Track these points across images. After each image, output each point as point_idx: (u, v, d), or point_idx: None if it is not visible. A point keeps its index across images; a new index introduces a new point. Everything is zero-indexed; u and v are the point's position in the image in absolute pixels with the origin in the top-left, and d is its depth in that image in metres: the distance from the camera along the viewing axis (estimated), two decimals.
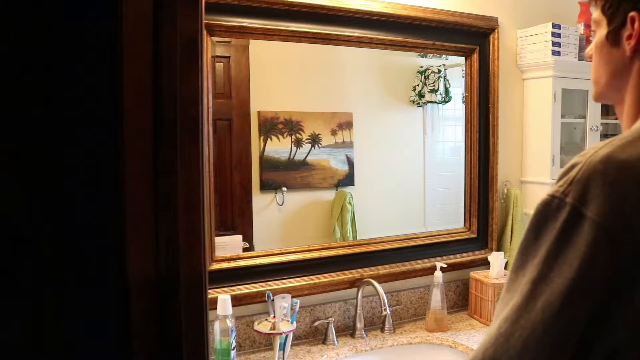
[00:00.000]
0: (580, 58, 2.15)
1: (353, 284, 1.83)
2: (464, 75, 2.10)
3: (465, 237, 2.12)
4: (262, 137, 1.80)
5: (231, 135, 1.76)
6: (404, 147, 2.11)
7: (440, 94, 2.10)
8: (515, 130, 2.21)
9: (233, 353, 1.48)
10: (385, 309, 1.67)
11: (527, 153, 2.21)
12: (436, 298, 1.88)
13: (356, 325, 1.81)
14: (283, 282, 1.72)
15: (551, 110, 2.07)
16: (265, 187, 1.82)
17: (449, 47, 2.02)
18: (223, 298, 1.49)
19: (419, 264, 1.97)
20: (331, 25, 1.77)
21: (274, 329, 1.55)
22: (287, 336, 1.58)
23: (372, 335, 1.83)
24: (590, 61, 0.84)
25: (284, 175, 1.85)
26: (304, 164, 1.87)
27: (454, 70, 2.12)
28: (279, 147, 1.82)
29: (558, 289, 0.61)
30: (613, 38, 0.76)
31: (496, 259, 1.98)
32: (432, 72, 2.07)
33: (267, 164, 1.81)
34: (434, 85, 2.08)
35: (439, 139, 2.19)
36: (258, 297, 1.67)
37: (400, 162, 2.10)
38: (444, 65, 2.11)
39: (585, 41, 2.18)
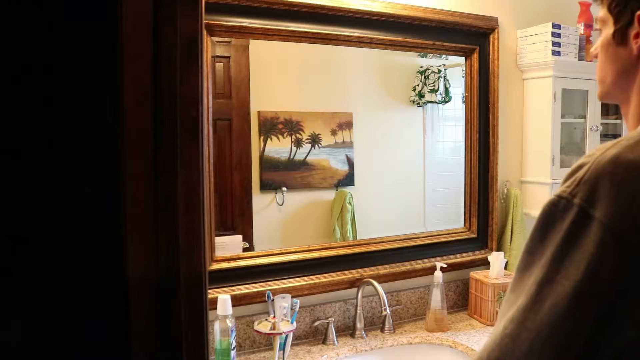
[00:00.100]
0: (580, 58, 2.15)
1: (353, 284, 1.83)
2: (464, 75, 2.10)
3: (465, 237, 2.12)
4: (262, 137, 1.80)
5: (231, 135, 1.76)
6: (404, 147, 2.11)
7: (440, 94, 2.10)
8: (515, 130, 2.21)
9: (233, 353, 1.48)
10: (385, 309, 1.67)
11: (527, 153, 2.21)
12: (436, 298, 1.88)
13: (356, 325, 1.81)
14: (283, 282, 1.72)
15: (551, 110, 2.07)
16: (265, 187, 1.82)
17: (449, 47, 2.02)
18: (223, 298, 1.49)
19: (419, 264, 1.97)
20: (331, 25, 1.77)
21: (274, 329, 1.55)
22: (287, 336, 1.58)
23: (372, 335, 1.83)
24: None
25: (284, 175, 1.85)
26: (304, 164, 1.87)
27: (454, 70, 2.12)
28: (279, 147, 1.82)
29: (565, 290, 0.61)
30: (620, 37, 0.75)
31: (496, 259, 1.97)
32: (432, 72, 2.07)
33: (267, 164, 1.81)
34: (434, 85, 2.08)
35: (439, 139, 2.19)
36: (258, 297, 1.67)
37: (400, 162, 2.10)
38: (444, 65, 2.11)
39: (585, 41, 2.18)
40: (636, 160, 0.62)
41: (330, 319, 1.75)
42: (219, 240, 1.68)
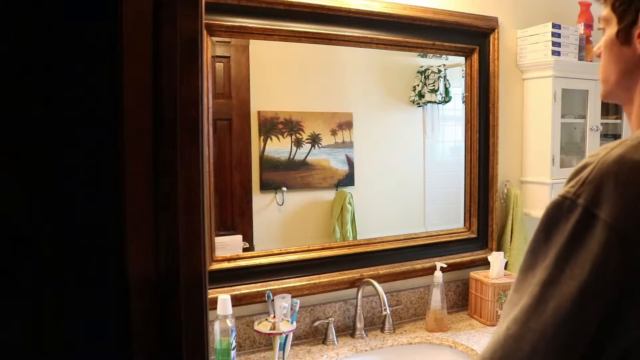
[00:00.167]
0: (580, 58, 2.15)
1: (353, 284, 1.83)
2: (464, 75, 2.10)
3: (465, 237, 2.12)
4: (262, 137, 1.80)
5: (231, 135, 1.76)
6: (404, 147, 2.11)
7: (440, 94, 2.10)
8: (515, 130, 2.21)
9: (233, 353, 1.48)
10: (385, 309, 1.67)
11: (527, 153, 2.21)
12: (436, 298, 1.88)
13: (356, 325, 1.81)
14: (283, 282, 1.72)
15: (551, 110, 2.07)
16: (265, 187, 1.82)
17: (449, 47, 2.02)
18: (223, 298, 1.49)
19: (419, 264, 1.97)
20: (331, 25, 1.77)
21: (274, 329, 1.55)
22: (287, 336, 1.58)
23: (372, 335, 1.83)
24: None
25: (284, 175, 1.85)
26: (304, 164, 1.87)
27: (454, 70, 2.12)
28: (279, 147, 1.82)
29: (569, 291, 0.61)
30: (624, 36, 0.74)
31: (496, 259, 1.97)
32: (432, 72, 2.07)
33: (267, 164, 1.81)
34: (434, 85, 2.08)
35: (439, 139, 2.19)
36: (258, 297, 1.67)
37: (400, 162, 2.10)
38: (444, 65, 2.11)
39: (585, 41, 2.18)
40: None
41: (330, 319, 1.75)
42: (219, 240, 1.68)
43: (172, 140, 0.51)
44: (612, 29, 0.76)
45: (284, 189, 1.84)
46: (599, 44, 0.81)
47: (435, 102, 2.10)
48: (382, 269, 1.90)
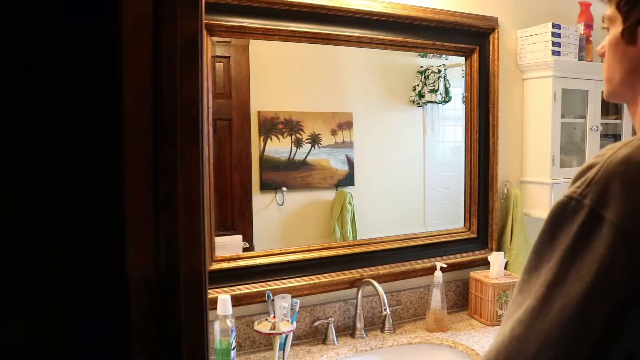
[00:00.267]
0: (580, 58, 2.15)
1: (353, 284, 1.83)
2: (464, 75, 2.10)
3: (465, 237, 2.12)
4: (262, 137, 1.80)
5: (231, 135, 1.76)
6: (404, 147, 2.11)
7: (440, 94, 2.10)
8: (515, 130, 2.21)
9: (233, 353, 1.48)
10: (385, 309, 1.67)
11: (527, 153, 2.21)
12: (436, 298, 1.88)
13: (356, 325, 1.81)
14: (283, 282, 1.72)
15: (551, 110, 2.07)
16: (265, 187, 1.82)
17: (449, 47, 2.02)
18: (223, 298, 1.49)
19: (419, 264, 1.97)
20: (331, 25, 1.77)
21: (274, 329, 1.55)
22: (287, 336, 1.58)
23: (372, 335, 1.83)
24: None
25: (284, 175, 1.85)
26: (304, 164, 1.87)
27: (454, 70, 2.12)
28: (279, 147, 1.82)
29: (575, 292, 0.60)
30: (629, 35, 0.73)
31: (496, 259, 1.98)
32: (432, 72, 2.07)
33: (267, 164, 1.81)
34: (434, 85, 2.08)
35: (439, 139, 2.19)
36: (258, 297, 1.67)
37: (400, 162, 2.10)
38: (444, 65, 2.11)
39: (585, 41, 2.18)
40: None
41: (330, 319, 1.75)
42: (219, 240, 1.68)
43: (172, 140, 0.51)
44: (617, 28, 0.75)
45: (284, 189, 1.84)
46: (602, 43, 0.80)
47: (435, 102, 2.10)
48: (382, 269, 1.90)
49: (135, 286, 0.50)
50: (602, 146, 2.25)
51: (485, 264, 2.07)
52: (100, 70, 0.51)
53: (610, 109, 2.39)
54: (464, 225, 2.14)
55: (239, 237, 1.75)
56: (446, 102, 2.12)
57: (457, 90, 2.13)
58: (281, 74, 1.88)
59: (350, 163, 1.96)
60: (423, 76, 2.07)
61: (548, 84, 2.08)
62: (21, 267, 0.48)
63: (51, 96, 0.49)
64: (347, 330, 1.84)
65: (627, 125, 2.34)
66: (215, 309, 1.48)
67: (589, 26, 2.21)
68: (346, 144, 1.94)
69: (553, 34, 2.04)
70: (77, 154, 0.50)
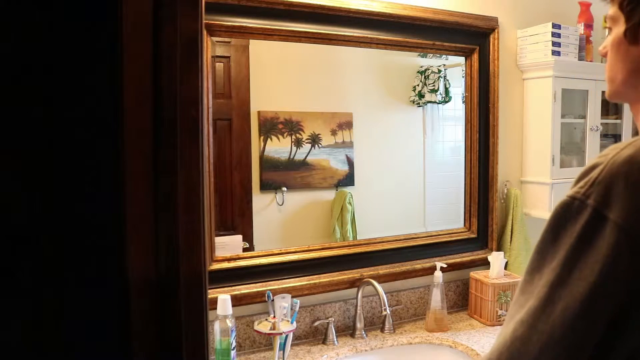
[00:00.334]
0: (580, 58, 2.15)
1: (353, 284, 1.83)
2: (464, 75, 2.10)
3: (465, 237, 2.12)
4: (262, 137, 1.80)
5: (231, 135, 1.76)
6: (404, 147, 2.11)
7: (440, 94, 2.10)
8: (515, 130, 2.21)
9: (233, 353, 1.48)
10: (385, 309, 1.67)
11: (527, 153, 2.21)
12: (436, 298, 1.88)
13: (356, 325, 1.81)
14: (283, 282, 1.72)
15: (551, 110, 2.07)
16: (265, 187, 1.82)
17: (449, 47, 2.02)
18: (223, 298, 1.49)
19: (419, 264, 1.97)
20: (331, 25, 1.77)
21: (274, 329, 1.55)
22: (287, 336, 1.58)
23: (372, 335, 1.83)
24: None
25: (284, 175, 1.85)
26: (304, 164, 1.87)
27: (454, 70, 2.12)
28: (279, 147, 1.82)
29: (578, 292, 0.60)
30: (632, 35, 0.73)
31: (496, 259, 1.97)
32: (432, 72, 2.07)
33: (267, 164, 1.81)
34: (434, 85, 2.08)
35: (439, 139, 2.19)
36: (258, 297, 1.67)
37: (400, 162, 2.10)
38: (444, 65, 2.11)
39: (585, 41, 2.18)
40: None
41: (330, 319, 1.75)
42: (219, 240, 1.68)
43: (172, 140, 0.51)
44: (620, 28, 0.75)
45: (284, 189, 1.84)
46: (604, 43, 0.80)
47: (435, 102, 2.10)
48: (382, 269, 1.90)
49: (135, 286, 0.50)
50: (602, 146, 2.25)
51: (485, 264, 2.07)
52: (100, 70, 0.51)
53: (610, 109, 2.38)
54: (464, 225, 2.14)
55: (239, 237, 1.75)
56: (446, 102, 2.12)
57: (457, 90, 2.13)
58: (281, 74, 1.88)
59: (350, 163, 1.96)
60: (423, 76, 2.07)
61: (548, 84, 2.08)
62: (21, 267, 0.48)
63: (51, 96, 0.49)
64: (347, 330, 1.84)
65: (627, 125, 2.34)
66: (215, 309, 1.48)
67: (589, 26, 2.21)
68: (346, 144, 1.94)
69: (553, 34, 2.04)
70: (77, 154, 0.50)
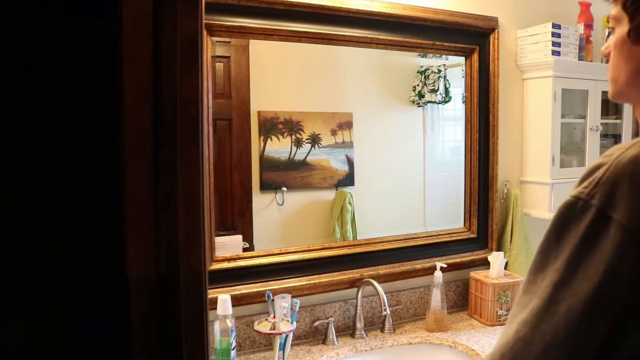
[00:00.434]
0: (580, 58, 2.15)
1: (353, 284, 1.83)
2: (464, 75, 2.10)
3: (465, 237, 2.12)
4: (262, 137, 1.80)
5: (231, 135, 1.76)
6: (404, 147, 2.11)
7: (440, 94, 2.10)
8: (515, 130, 2.21)
9: (233, 353, 1.48)
10: (385, 309, 1.67)
11: (527, 153, 2.21)
12: (436, 298, 1.88)
13: (356, 325, 1.81)
14: (283, 282, 1.72)
15: (551, 110, 2.07)
16: (265, 187, 1.82)
17: (449, 47, 2.02)
18: (223, 298, 1.49)
19: (419, 264, 1.97)
20: (331, 25, 1.77)
21: (274, 329, 1.55)
22: (287, 336, 1.58)
23: (372, 335, 1.83)
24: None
25: (284, 175, 1.85)
26: (304, 164, 1.87)
27: (454, 70, 2.12)
28: (279, 147, 1.82)
29: (582, 292, 0.60)
30: (635, 35, 0.73)
31: (496, 259, 1.97)
32: (432, 72, 2.07)
33: (267, 164, 1.81)
34: (434, 85, 2.08)
35: (439, 139, 2.19)
36: (258, 297, 1.67)
37: (400, 162, 2.10)
38: (444, 65, 2.11)
39: (585, 41, 2.18)
40: None
41: (330, 319, 1.75)
42: (219, 240, 1.68)
43: (172, 140, 0.51)
44: (623, 28, 0.74)
45: (284, 189, 1.84)
46: (607, 43, 0.79)
47: (435, 102, 2.10)
48: (382, 269, 1.90)
49: (135, 286, 0.50)
50: (602, 146, 2.25)
51: (485, 264, 2.07)
52: (100, 70, 0.51)
53: (610, 109, 2.38)
54: (464, 225, 2.14)
55: (239, 237, 1.75)
56: (446, 102, 2.12)
57: (457, 90, 2.13)
58: (281, 74, 1.88)
59: (350, 163, 1.96)
60: (423, 76, 2.07)
61: (548, 84, 2.08)
62: (21, 267, 0.48)
63: (51, 96, 0.49)
64: (347, 330, 1.84)
65: (627, 125, 2.34)
66: (215, 309, 1.48)
67: (589, 26, 2.21)
68: (346, 144, 1.94)
69: (553, 34, 2.04)
70: (77, 154, 0.50)
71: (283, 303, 1.58)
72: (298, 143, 1.85)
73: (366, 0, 1.81)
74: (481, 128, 2.10)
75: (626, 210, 0.60)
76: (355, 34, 1.82)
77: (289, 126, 1.84)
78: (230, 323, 1.47)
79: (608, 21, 0.78)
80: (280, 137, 1.82)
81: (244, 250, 1.74)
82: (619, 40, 0.76)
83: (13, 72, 0.47)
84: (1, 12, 0.46)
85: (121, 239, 0.50)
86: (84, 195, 0.50)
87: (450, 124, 2.19)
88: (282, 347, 1.58)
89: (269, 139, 1.81)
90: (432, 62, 2.08)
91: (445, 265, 1.94)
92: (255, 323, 1.60)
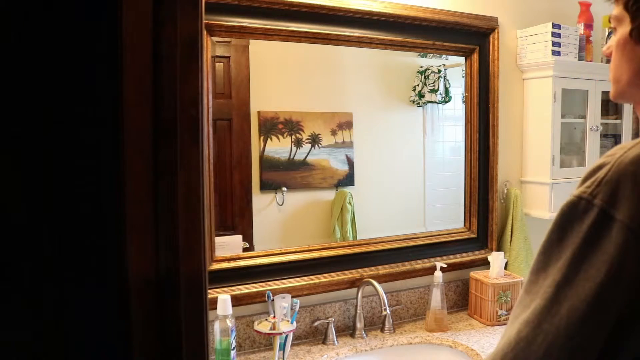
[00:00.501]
0: (580, 58, 2.15)
1: (353, 284, 1.83)
2: (464, 75, 2.10)
3: (465, 237, 2.12)
4: (262, 137, 1.80)
5: (231, 135, 1.76)
6: (404, 147, 2.11)
7: (440, 94, 2.10)
8: (515, 130, 2.21)
9: (233, 353, 1.48)
10: (385, 309, 1.67)
11: (527, 153, 2.21)
12: (436, 298, 1.88)
13: (356, 325, 1.81)
14: (283, 282, 1.72)
15: (551, 110, 2.07)
16: (265, 187, 1.82)
17: (449, 47, 2.02)
18: (223, 298, 1.49)
19: (419, 264, 1.97)
20: (331, 25, 1.77)
21: (274, 329, 1.55)
22: (287, 336, 1.58)
23: (372, 335, 1.83)
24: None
25: (284, 175, 1.85)
26: (304, 164, 1.87)
27: (454, 70, 2.12)
28: (279, 147, 1.82)
29: (585, 293, 0.60)
30: (637, 35, 0.72)
31: (496, 259, 1.97)
32: (432, 72, 2.07)
33: (267, 164, 1.81)
34: (434, 85, 2.08)
35: (439, 139, 2.19)
36: (258, 297, 1.67)
37: (400, 162, 2.10)
38: (444, 65, 2.11)
39: (585, 41, 2.18)
40: None
41: (330, 319, 1.75)
42: (219, 240, 1.68)
43: (172, 140, 0.51)
44: (625, 28, 0.74)
45: (284, 189, 1.84)
46: (609, 43, 0.79)
47: (435, 102, 2.10)
48: (382, 269, 1.90)
49: (135, 286, 0.50)
50: (602, 146, 2.25)
51: (485, 264, 2.07)
52: (100, 70, 0.51)
53: (610, 108, 2.38)
54: (464, 225, 2.14)
55: (239, 237, 1.75)
56: (446, 102, 2.12)
57: (457, 90, 2.13)
58: (281, 74, 1.88)
59: (350, 163, 1.96)
60: (423, 76, 2.07)
61: (548, 84, 2.08)
62: (21, 267, 0.48)
63: (51, 96, 0.49)
64: (347, 330, 1.84)
65: (627, 125, 2.34)
66: (215, 309, 1.48)
67: (589, 26, 2.21)
68: (346, 144, 1.94)
69: (553, 34, 2.04)
70: (77, 154, 0.50)
71: (283, 303, 1.58)
72: (298, 143, 1.85)
73: (366, 0, 1.81)
74: (481, 128, 2.10)
75: (629, 209, 0.59)
76: (355, 34, 1.82)
77: (289, 126, 1.84)
78: (230, 323, 1.47)
79: (609, 21, 0.78)
80: (280, 137, 1.82)
81: (244, 250, 1.74)
82: (621, 41, 0.75)
83: (13, 72, 0.47)
84: (1, 12, 0.46)
85: (121, 239, 0.50)
86: (84, 195, 0.50)
87: (450, 124, 2.19)
88: (282, 347, 1.58)
89: (269, 139, 1.81)
90: (432, 62, 2.08)
91: (445, 265, 1.94)
92: (255, 323, 1.60)
